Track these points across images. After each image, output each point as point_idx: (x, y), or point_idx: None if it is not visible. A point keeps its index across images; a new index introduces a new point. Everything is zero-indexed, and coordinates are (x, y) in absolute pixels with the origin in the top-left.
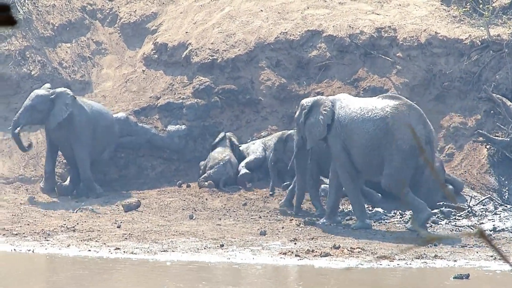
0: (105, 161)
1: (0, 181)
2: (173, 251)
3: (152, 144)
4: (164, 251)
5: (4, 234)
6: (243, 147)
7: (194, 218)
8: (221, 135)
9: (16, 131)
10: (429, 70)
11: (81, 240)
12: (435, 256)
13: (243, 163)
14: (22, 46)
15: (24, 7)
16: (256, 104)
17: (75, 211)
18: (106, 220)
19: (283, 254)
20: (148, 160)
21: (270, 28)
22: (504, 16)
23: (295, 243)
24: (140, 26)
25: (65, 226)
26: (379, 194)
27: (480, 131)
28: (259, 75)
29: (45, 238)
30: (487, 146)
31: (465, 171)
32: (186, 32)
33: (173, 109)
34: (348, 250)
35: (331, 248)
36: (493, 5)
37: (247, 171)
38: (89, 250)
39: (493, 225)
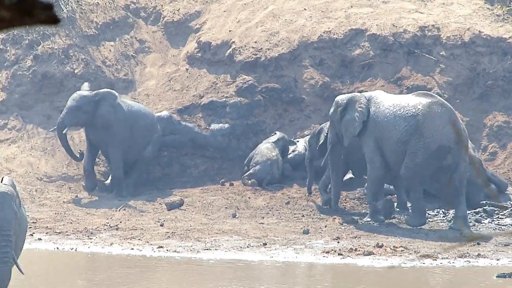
0: (149, 160)
1: (43, 179)
2: (216, 249)
3: (195, 143)
4: (207, 249)
5: (47, 233)
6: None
7: (237, 216)
8: (279, 135)
9: (64, 131)
10: (473, 69)
11: (124, 239)
12: (478, 255)
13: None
14: (66, 45)
15: (67, 6)
16: (300, 102)
17: (118, 209)
18: (149, 218)
19: (326, 252)
20: (191, 158)
21: (313, 26)
22: None
23: (338, 242)
24: (183, 25)
25: (108, 224)
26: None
27: None
28: (302, 73)
29: (88, 236)
30: None
31: (509, 170)
32: (230, 31)
33: (216, 108)
34: (391, 248)
35: (374, 246)
36: None
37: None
38: (132, 249)
39: None
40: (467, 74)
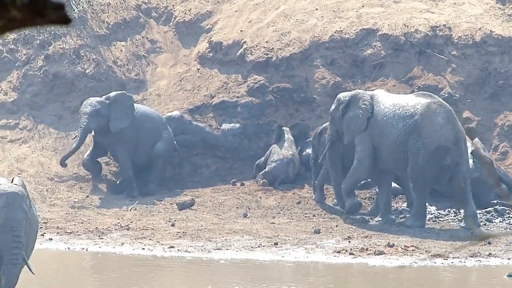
0: (160, 156)
1: (54, 179)
2: (227, 249)
3: (207, 143)
4: (218, 249)
5: (58, 233)
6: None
7: (248, 216)
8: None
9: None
10: (484, 69)
11: (135, 239)
12: (489, 254)
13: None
14: (77, 45)
15: (78, 6)
16: (311, 102)
17: (129, 209)
18: (160, 218)
19: (337, 252)
20: (202, 158)
21: (325, 26)
22: None
23: (349, 241)
24: (195, 25)
25: (119, 224)
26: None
27: None
28: (313, 73)
29: (99, 236)
30: None
31: None
32: (241, 31)
33: (227, 108)
34: (402, 248)
35: (385, 246)
36: None
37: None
38: (143, 249)
39: None
40: (478, 74)
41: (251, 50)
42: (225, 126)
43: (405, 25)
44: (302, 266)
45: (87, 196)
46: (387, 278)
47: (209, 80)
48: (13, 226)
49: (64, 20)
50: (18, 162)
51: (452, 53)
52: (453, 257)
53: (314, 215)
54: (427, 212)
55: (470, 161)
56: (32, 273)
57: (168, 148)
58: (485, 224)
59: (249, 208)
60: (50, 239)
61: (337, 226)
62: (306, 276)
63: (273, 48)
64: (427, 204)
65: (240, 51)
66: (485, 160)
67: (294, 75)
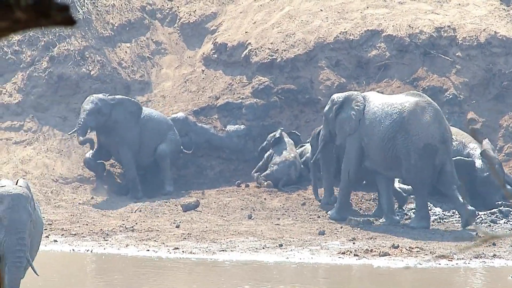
0: (165, 156)
1: (59, 181)
2: (231, 250)
3: (211, 144)
4: (223, 250)
5: (62, 235)
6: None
7: (252, 217)
8: (278, 133)
9: (87, 135)
10: (489, 70)
11: (140, 240)
12: (494, 255)
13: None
14: (82, 46)
15: (83, 7)
16: (316, 103)
17: (134, 211)
18: (165, 220)
19: (342, 253)
20: (207, 160)
21: (329, 27)
22: None
23: (353, 243)
24: (199, 26)
25: (123, 226)
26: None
27: None
28: (318, 74)
29: (104, 238)
30: None
31: None
32: (246, 32)
33: (232, 109)
34: (406, 249)
35: (389, 247)
36: None
37: None
38: (148, 250)
39: None
40: (483, 75)
41: (255, 52)
42: (230, 127)
43: (409, 26)
44: (306, 267)
45: (92, 198)
46: (392, 280)
47: (214, 82)
48: (17, 228)
49: (69, 21)
50: (23, 164)
51: (457, 54)
52: (457, 258)
53: (318, 217)
54: (432, 213)
55: (479, 161)
56: (37, 274)
57: (173, 149)
58: (489, 225)
59: (253, 210)
60: (55, 240)
61: (341, 227)
62: (310, 278)
63: (277, 49)
64: (432, 205)
65: (244, 53)
66: (493, 161)
67: (298, 76)
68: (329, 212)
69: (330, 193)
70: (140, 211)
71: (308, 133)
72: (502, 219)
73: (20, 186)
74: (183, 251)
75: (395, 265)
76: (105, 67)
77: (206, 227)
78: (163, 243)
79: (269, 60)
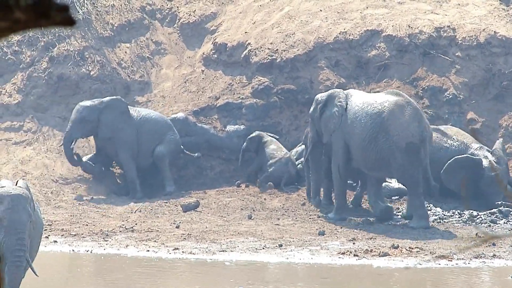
0: (164, 157)
1: (59, 181)
2: (231, 251)
3: (211, 144)
4: (223, 251)
5: (62, 235)
6: (297, 149)
7: (252, 218)
8: (255, 134)
9: (72, 146)
10: (488, 70)
11: (140, 241)
12: (494, 255)
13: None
14: (81, 47)
15: (83, 8)
16: None
17: (134, 211)
18: (165, 220)
19: (342, 254)
20: (207, 160)
21: (329, 28)
22: None
23: (353, 243)
24: (199, 26)
25: (123, 226)
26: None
27: None
28: (318, 75)
29: (104, 238)
30: None
31: None
32: (245, 32)
33: (232, 109)
34: (406, 249)
35: (389, 247)
36: None
37: None
38: (148, 251)
39: None
40: (482, 75)
41: (255, 52)
42: (230, 127)
43: (409, 26)
44: (306, 267)
45: (92, 198)
46: (392, 280)
47: (214, 82)
48: (17, 229)
49: (69, 21)
50: (23, 164)
51: (456, 54)
52: (457, 258)
53: (318, 217)
54: (432, 213)
55: (486, 161)
56: (36, 275)
57: (171, 150)
58: (489, 225)
59: (253, 210)
60: (55, 241)
61: (341, 227)
62: (310, 278)
63: (277, 49)
64: (432, 205)
65: (244, 53)
66: (500, 161)
67: (298, 76)
68: (328, 215)
69: (318, 192)
70: (140, 211)
71: None
72: (502, 219)
73: (20, 187)
74: (183, 252)
75: (395, 265)
76: (105, 68)
77: (206, 228)
78: (163, 244)
79: (268, 60)
